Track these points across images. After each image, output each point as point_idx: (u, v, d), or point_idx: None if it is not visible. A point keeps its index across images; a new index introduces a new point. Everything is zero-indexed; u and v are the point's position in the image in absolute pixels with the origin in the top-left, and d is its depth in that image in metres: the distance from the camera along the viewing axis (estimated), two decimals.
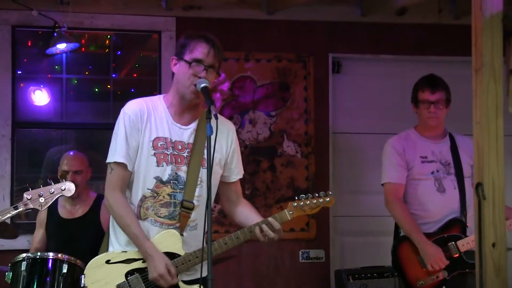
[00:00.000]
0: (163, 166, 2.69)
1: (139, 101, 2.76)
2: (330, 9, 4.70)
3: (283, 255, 4.66)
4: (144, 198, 2.70)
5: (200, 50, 2.67)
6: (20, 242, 4.14)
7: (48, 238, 3.89)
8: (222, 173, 2.84)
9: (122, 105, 2.78)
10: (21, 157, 4.56)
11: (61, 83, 4.67)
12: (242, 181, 2.95)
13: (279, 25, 4.71)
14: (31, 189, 2.90)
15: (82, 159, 3.93)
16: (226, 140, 2.81)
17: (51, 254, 3.35)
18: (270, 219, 2.70)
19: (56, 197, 2.92)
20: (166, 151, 2.70)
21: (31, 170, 4.72)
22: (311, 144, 4.73)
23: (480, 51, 2.58)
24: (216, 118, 2.46)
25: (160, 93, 4.43)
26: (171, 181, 2.70)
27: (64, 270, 3.27)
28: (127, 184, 2.73)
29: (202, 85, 2.61)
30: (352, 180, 4.83)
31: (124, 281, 2.67)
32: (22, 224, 4.46)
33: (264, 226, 2.69)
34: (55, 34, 4.31)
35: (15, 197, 4.36)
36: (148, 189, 2.70)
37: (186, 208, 2.69)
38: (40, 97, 4.57)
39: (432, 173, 3.54)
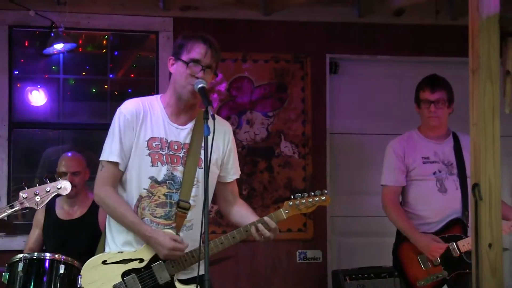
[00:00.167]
0: (157, 166, 2.69)
1: (136, 101, 2.76)
2: (328, 10, 4.70)
3: (280, 255, 4.66)
4: (140, 198, 2.70)
5: (197, 51, 2.68)
6: (17, 242, 4.14)
7: (45, 239, 3.89)
8: (218, 173, 2.84)
9: (119, 106, 2.78)
10: (18, 157, 4.55)
11: (58, 83, 4.67)
12: (239, 181, 2.95)
13: (277, 25, 4.71)
14: (27, 188, 2.89)
15: (80, 160, 3.93)
16: (223, 140, 2.81)
17: (48, 255, 3.35)
18: (265, 218, 2.71)
19: (52, 195, 2.91)
20: (161, 151, 2.70)
21: (27, 170, 4.71)
22: (309, 145, 4.73)
23: (477, 52, 2.59)
24: (214, 118, 2.47)
25: (157, 93, 4.43)
26: (167, 181, 2.70)
27: (61, 271, 3.27)
28: (118, 182, 2.73)
29: (200, 85, 2.61)
30: (349, 181, 4.84)
31: (121, 282, 2.67)
32: (19, 225, 4.45)
33: (260, 225, 2.69)
34: (52, 34, 4.30)
35: (12, 197, 4.36)
36: (144, 189, 2.70)
37: (182, 208, 2.69)
38: (37, 97, 4.56)
39: (434, 173, 3.56)
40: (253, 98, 4.70)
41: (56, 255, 3.32)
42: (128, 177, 2.71)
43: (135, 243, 2.70)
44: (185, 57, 2.68)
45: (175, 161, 2.71)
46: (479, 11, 2.57)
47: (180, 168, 2.71)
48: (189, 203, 2.70)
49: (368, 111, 4.87)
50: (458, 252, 3.45)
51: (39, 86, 4.59)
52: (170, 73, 2.78)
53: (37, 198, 2.87)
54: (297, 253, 4.68)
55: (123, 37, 4.80)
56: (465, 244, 3.43)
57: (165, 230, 2.68)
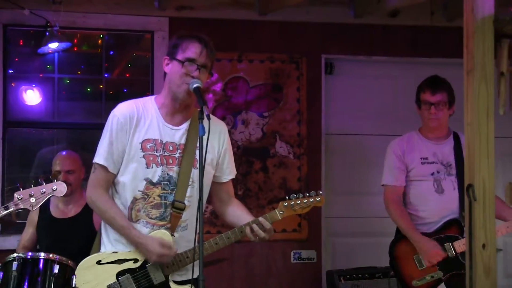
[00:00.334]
0: (152, 167, 2.69)
1: (129, 104, 2.76)
2: (323, 11, 4.71)
3: (275, 255, 4.66)
4: (135, 200, 2.70)
5: (193, 50, 2.67)
6: (11, 242, 4.12)
7: (39, 238, 3.88)
8: (214, 173, 2.84)
9: (115, 105, 2.78)
10: (12, 156, 4.54)
11: (53, 82, 4.66)
12: (234, 181, 2.95)
13: (272, 26, 4.71)
14: (22, 189, 2.88)
15: (74, 158, 3.92)
16: (218, 140, 2.81)
17: (42, 254, 3.34)
18: (260, 218, 2.71)
19: (47, 197, 2.90)
20: (155, 153, 2.70)
21: (22, 170, 4.70)
22: (304, 145, 4.73)
23: (472, 53, 2.60)
24: (209, 118, 2.46)
25: (152, 93, 4.43)
26: (162, 182, 2.70)
27: (56, 270, 3.26)
28: (110, 184, 2.73)
29: (195, 85, 2.61)
30: (345, 181, 4.84)
31: (115, 282, 2.66)
32: (13, 224, 4.43)
33: (255, 226, 2.69)
34: (47, 33, 4.29)
35: (6, 197, 4.34)
36: (139, 191, 2.69)
37: (177, 208, 2.69)
38: (32, 97, 4.55)
39: (432, 174, 3.57)
40: (249, 98, 4.70)
41: (51, 255, 3.31)
42: (122, 179, 2.71)
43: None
44: (180, 56, 2.68)
45: (171, 162, 2.71)
46: (474, 12, 2.58)
47: (175, 168, 2.71)
48: (184, 203, 2.70)
49: (363, 112, 4.87)
50: (454, 253, 3.46)
51: (33, 85, 4.57)
52: (165, 73, 2.78)
53: (32, 200, 2.86)
54: (292, 253, 4.68)
55: (118, 36, 4.80)
56: (461, 245, 3.43)
57: (159, 231, 2.68)
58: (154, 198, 2.69)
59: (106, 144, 2.69)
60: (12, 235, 4.26)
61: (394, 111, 4.88)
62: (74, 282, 2.69)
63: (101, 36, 4.78)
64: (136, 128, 2.70)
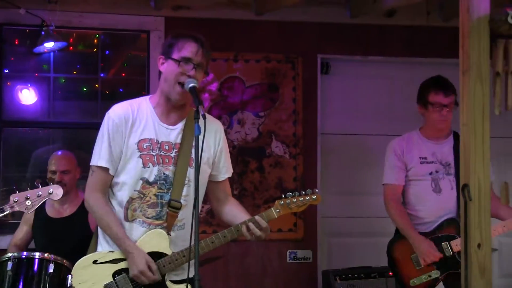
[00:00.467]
0: (149, 167, 2.69)
1: (124, 105, 2.75)
2: (319, 11, 4.71)
3: (271, 255, 4.66)
4: (131, 200, 2.69)
5: (188, 49, 2.67)
6: (6, 241, 4.11)
7: (34, 237, 3.87)
8: (210, 172, 2.84)
9: (111, 105, 2.78)
10: (7, 156, 4.52)
11: (48, 82, 4.64)
12: (230, 181, 2.95)
13: (268, 26, 4.71)
14: (18, 192, 2.88)
15: (70, 158, 3.92)
16: (214, 139, 2.81)
17: (37, 254, 3.33)
18: (256, 217, 2.71)
19: (43, 200, 2.90)
20: (151, 152, 2.70)
21: (18, 169, 4.68)
22: (299, 145, 4.74)
23: (467, 53, 2.60)
24: (204, 117, 2.46)
25: (148, 92, 4.43)
26: (158, 182, 2.70)
27: (51, 270, 3.26)
28: (108, 187, 2.73)
29: (191, 85, 2.61)
30: (340, 181, 4.85)
31: (112, 281, 2.66)
32: (8, 224, 4.42)
33: (251, 225, 2.69)
34: (43, 32, 4.27)
35: (1, 198, 4.33)
36: (135, 190, 2.69)
37: (174, 207, 2.69)
38: (27, 96, 4.54)
39: (431, 173, 3.58)
40: (244, 98, 4.70)
41: (46, 255, 3.31)
42: (119, 180, 2.71)
43: None
44: (176, 55, 2.68)
45: (167, 161, 2.71)
46: (470, 12, 2.59)
47: (171, 168, 2.71)
48: (180, 202, 2.70)
49: (359, 112, 4.88)
50: (451, 252, 3.47)
51: (29, 85, 4.56)
52: (160, 73, 2.78)
53: (28, 203, 2.86)
54: (288, 253, 4.68)
55: (114, 36, 4.79)
56: (458, 244, 3.43)
57: (156, 230, 2.68)
58: (150, 197, 2.69)
59: (106, 146, 2.68)
60: (7, 234, 4.25)
61: (390, 111, 4.89)
62: (70, 281, 2.69)
63: (97, 35, 4.77)
64: (132, 129, 2.70)
